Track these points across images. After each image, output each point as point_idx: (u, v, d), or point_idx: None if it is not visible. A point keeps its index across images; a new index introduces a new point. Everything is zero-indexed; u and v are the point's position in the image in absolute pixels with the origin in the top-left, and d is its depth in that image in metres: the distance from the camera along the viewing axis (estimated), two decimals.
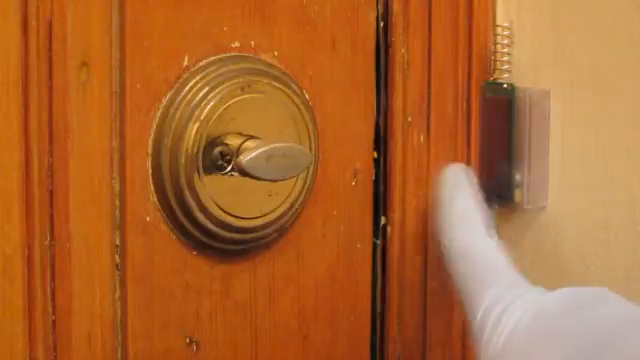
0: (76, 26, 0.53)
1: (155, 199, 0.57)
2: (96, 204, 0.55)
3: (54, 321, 0.54)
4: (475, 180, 0.62)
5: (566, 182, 0.64)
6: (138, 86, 0.56)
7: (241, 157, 0.55)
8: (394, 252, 0.66)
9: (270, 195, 0.60)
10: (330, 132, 0.63)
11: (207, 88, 0.57)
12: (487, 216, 0.59)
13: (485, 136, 0.67)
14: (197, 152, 0.56)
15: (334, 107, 0.63)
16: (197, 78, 0.57)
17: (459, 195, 0.60)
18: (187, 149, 0.56)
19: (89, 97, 0.54)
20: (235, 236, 0.59)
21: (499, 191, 0.66)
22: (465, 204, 0.59)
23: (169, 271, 0.58)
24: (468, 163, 0.68)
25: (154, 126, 0.57)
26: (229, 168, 0.57)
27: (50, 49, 0.52)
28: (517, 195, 0.66)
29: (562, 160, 0.64)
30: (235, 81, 0.58)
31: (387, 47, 0.65)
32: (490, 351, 0.50)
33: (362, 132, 0.65)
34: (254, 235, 0.60)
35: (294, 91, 0.60)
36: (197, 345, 0.59)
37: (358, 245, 0.66)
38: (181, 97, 0.57)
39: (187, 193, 0.57)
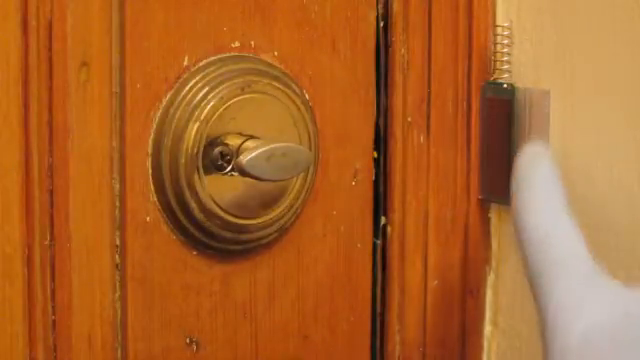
0: (76, 26, 0.53)
1: (155, 199, 0.57)
2: (96, 204, 0.55)
3: (54, 321, 0.54)
4: (552, 160, 0.59)
5: (566, 182, 0.64)
6: (138, 86, 0.56)
7: (241, 157, 0.55)
8: (394, 252, 0.66)
9: (270, 195, 0.60)
10: (330, 132, 0.63)
11: (207, 88, 0.57)
12: (563, 193, 0.56)
13: (485, 136, 0.67)
14: (197, 152, 0.56)
15: (334, 107, 0.63)
16: (197, 78, 0.57)
17: (536, 176, 0.57)
18: (187, 149, 0.56)
19: (89, 97, 0.54)
20: (235, 236, 0.59)
21: (499, 191, 0.66)
22: (542, 185, 0.57)
23: (169, 271, 0.58)
24: (468, 163, 0.68)
25: (154, 126, 0.57)
26: (229, 168, 0.57)
27: (50, 49, 0.52)
28: None
29: (562, 160, 0.64)
30: (235, 81, 0.58)
31: (387, 47, 0.65)
32: (565, 342, 0.48)
33: (362, 132, 0.65)
34: (254, 235, 0.60)
35: (294, 91, 0.60)
36: (197, 345, 0.59)
37: (358, 245, 0.65)
38: (181, 97, 0.57)
39: (187, 193, 0.57)
